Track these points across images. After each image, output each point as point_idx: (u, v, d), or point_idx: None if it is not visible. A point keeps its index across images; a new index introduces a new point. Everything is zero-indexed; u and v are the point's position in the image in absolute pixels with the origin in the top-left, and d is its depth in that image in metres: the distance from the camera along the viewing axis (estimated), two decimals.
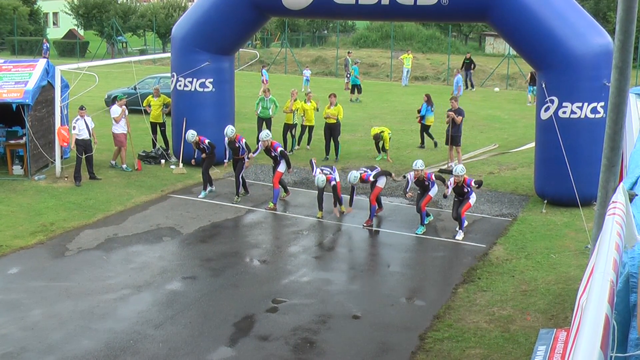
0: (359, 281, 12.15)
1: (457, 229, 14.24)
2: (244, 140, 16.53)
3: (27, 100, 17.25)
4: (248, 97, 29.09)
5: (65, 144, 18.26)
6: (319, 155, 20.31)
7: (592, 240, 5.88)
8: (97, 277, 11.82)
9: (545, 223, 14.97)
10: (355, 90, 32.74)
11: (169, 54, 21.45)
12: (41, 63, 18.65)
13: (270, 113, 21.55)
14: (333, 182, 15.02)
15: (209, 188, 16.82)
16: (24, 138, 17.96)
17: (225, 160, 16.79)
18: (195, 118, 18.93)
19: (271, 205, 15.91)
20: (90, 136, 17.84)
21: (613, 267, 2.97)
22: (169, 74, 20.87)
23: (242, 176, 16.57)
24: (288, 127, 21.46)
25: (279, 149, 16.28)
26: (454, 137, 19.12)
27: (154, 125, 20.83)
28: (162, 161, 19.89)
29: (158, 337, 9.74)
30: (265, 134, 16.39)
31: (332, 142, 20.48)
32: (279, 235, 14.55)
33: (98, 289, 11.32)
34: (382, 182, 15.15)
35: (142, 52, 52.76)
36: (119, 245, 13.47)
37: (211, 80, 18.96)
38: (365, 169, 15.14)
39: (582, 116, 15.28)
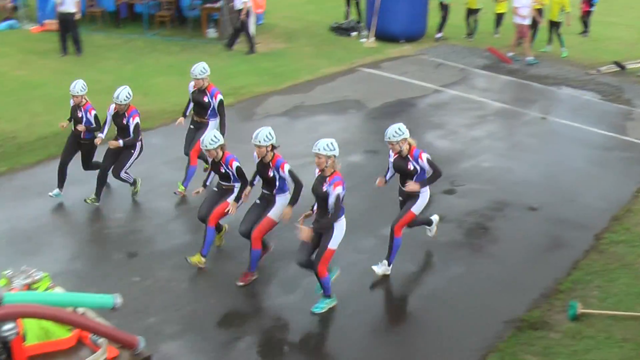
0: (539, 172, 11.74)
1: None
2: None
3: None
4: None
5: (260, 10, 18.62)
6: None
7: None
8: (281, 143, 12.13)
9: None
10: None
11: None
12: None
13: None
14: None
15: None
16: (220, 2, 18.43)
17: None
18: None
19: None
20: None
21: None
22: None
23: None
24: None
25: None
26: None
27: None
28: (354, 33, 19.82)
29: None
30: None
31: None
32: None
33: (282, 155, 11.66)
34: None
35: None
36: (305, 113, 13.80)
37: None
38: None
39: None
